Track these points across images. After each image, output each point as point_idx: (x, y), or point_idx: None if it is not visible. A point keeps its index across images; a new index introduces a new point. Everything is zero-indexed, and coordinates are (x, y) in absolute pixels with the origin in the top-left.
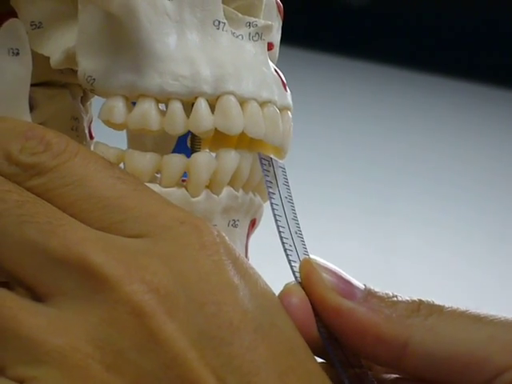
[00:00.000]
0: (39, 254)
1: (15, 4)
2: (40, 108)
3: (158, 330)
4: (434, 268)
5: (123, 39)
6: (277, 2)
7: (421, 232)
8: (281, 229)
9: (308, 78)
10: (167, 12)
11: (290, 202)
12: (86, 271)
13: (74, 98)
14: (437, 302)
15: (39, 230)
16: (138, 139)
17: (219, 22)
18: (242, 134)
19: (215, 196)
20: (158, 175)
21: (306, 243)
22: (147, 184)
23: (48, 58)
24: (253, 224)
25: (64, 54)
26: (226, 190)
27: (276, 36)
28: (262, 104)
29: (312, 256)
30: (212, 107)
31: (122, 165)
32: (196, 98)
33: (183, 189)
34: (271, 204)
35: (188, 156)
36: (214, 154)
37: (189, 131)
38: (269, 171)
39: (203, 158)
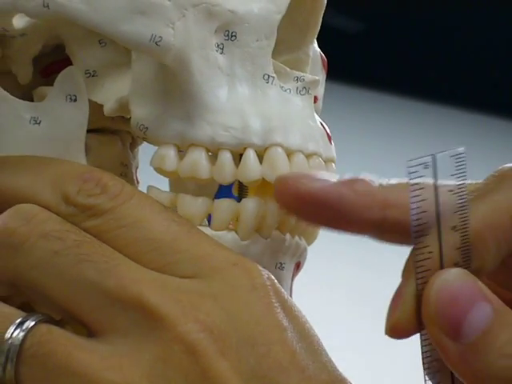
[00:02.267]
0: (96, 293)
1: (70, 52)
2: (92, 153)
3: (211, 368)
4: None
5: (176, 90)
6: (321, 57)
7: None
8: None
9: None
10: (219, 65)
11: (459, 191)
12: (142, 310)
13: (123, 145)
14: None
15: (96, 269)
16: (181, 184)
17: (268, 76)
18: None
19: (264, 239)
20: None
21: (468, 239)
22: (199, 227)
23: (100, 105)
24: (297, 266)
25: (117, 103)
26: (274, 234)
27: (320, 89)
28: (308, 156)
29: (447, 272)
30: (260, 158)
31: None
32: (245, 148)
33: (233, 232)
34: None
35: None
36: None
37: None
38: (421, 176)
39: (253, 204)
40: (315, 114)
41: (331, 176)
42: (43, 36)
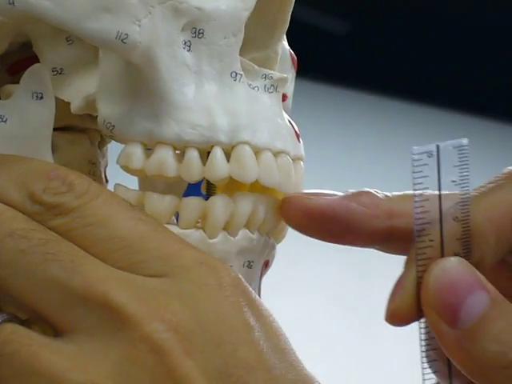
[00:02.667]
0: (62, 292)
1: (37, 50)
2: (60, 152)
3: (176, 368)
4: None
5: (143, 88)
6: (291, 54)
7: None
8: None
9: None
10: (186, 63)
11: (461, 184)
12: (108, 309)
13: (91, 143)
14: None
15: (62, 267)
16: (149, 182)
17: (236, 73)
18: (255, 182)
19: (232, 238)
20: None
21: (468, 228)
22: (166, 226)
23: (68, 103)
24: (266, 265)
25: (84, 101)
26: (242, 232)
27: (290, 87)
28: (276, 154)
29: (448, 259)
30: (227, 156)
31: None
32: (212, 146)
33: (201, 230)
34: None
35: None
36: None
37: None
38: (426, 164)
39: (221, 201)
40: (283, 112)
41: (336, 192)
42: (9, 33)
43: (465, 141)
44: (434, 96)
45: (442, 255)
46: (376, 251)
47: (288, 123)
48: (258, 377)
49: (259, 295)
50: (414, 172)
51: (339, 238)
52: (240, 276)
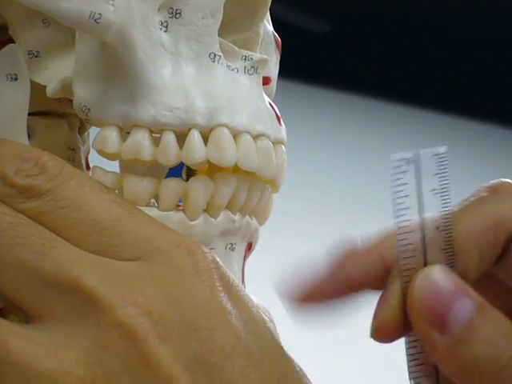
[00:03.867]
0: (32, 276)
1: (13, 32)
2: (37, 137)
3: (150, 354)
4: None
5: (118, 70)
6: (275, 37)
7: None
8: (401, 241)
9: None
10: (163, 44)
11: (442, 192)
12: (79, 294)
13: (71, 129)
14: None
15: (32, 251)
16: (132, 167)
17: (215, 54)
18: (235, 166)
19: (213, 219)
20: (153, 201)
21: (451, 238)
22: (144, 208)
23: (45, 87)
24: (249, 247)
25: (60, 84)
26: (224, 214)
27: (273, 70)
28: (256, 137)
29: (431, 268)
30: (206, 139)
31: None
32: (189, 129)
33: (181, 212)
34: (395, 205)
35: None
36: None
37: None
38: (405, 171)
39: (201, 182)
40: (264, 95)
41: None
42: None
43: (443, 149)
44: (416, 96)
45: (426, 266)
46: None
47: (269, 105)
48: (235, 363)
49: (243, 278)
50: (393, 180)
51: (346, 298)
52: (218, 259)
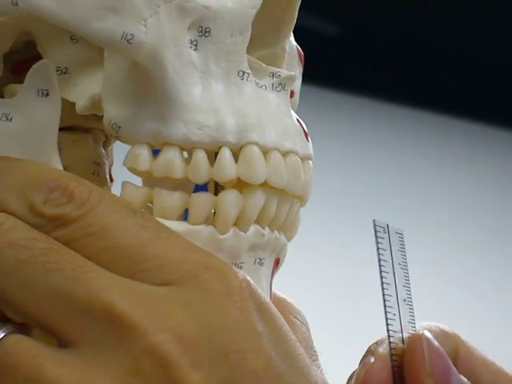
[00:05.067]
0: (64, 301)
1: (42, 49)
2: (63, 152)
3: (182, 381)
4: None
5: (149, 88)
6: (298, 50)
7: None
8: (387, 297)
9: None
10: (193, 62)
11: (404, 268)
12: (111, 319)
13: (96, 143)
14: None
15: (64, 277)
16: (156, 184)
17: (243, 72)
18: (264, 183)
19: (242, 233)
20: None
21: (414, 312)
22: (174, 222)
23: (72, 103)
24: (277, 263)
25: (89, 101)
26: (253, 228)
27: (297, 83)
28: (285, 154)
29: (426, 332)
30: (236, 156)
31: (149, 204)
32: (220, 147)
33: (211, 226)
34: (381, 272)
35: None
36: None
37: None
38: (383, 238)
39: (231, 195)
40: (291, 111)
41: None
42: (13, 32)
43: (400, 229)
44: (427, 99)
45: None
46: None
47: (296, 122)
48: None
49: (270, 295)
50: (376, 242)
51: None
52: (248, 278)
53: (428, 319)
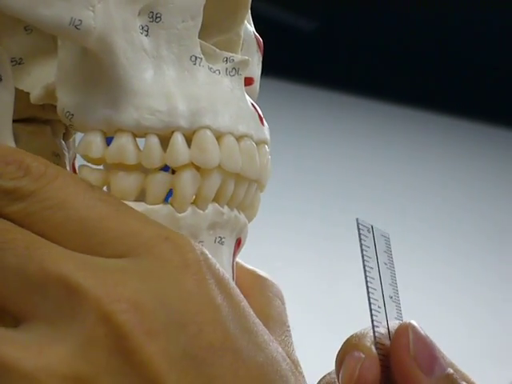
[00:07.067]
0: (18, 280)
1: None
2: (21, 144)
3: (136, 352)
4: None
5: (100, 74)
6: (256, 37)
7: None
8: (371, 290)
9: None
10: (144, 48)
11: (391, 268)
12: (64, 291)
13: (55, 135)
14: None
15: (16, 255)
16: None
17: (196, 57)
18: (218, 167)
19: (201, 211)
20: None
21: (401, 309)
22: (132, 203)
23: (28, 94)
24: (238, 243)
25: (44, 90)
26: (212, 206)
27: (256, 71)
28: (239, 138)
29: (413, 321)
30: (189, 141)
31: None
32: (173, 132)
33: (169, 205)
34: (364, 266)
35: None
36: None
37: None
38: (367, 236)
39: (188, 174)
40: (246, 95)
41: None
42: None
43: (386, 233)
44: (402, 93)
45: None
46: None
47: (251, 106)
48: (224, 359)
49: (233, 274)
50: (360, 239)
51: None
52: (207, 252)
53: (415, 319)
